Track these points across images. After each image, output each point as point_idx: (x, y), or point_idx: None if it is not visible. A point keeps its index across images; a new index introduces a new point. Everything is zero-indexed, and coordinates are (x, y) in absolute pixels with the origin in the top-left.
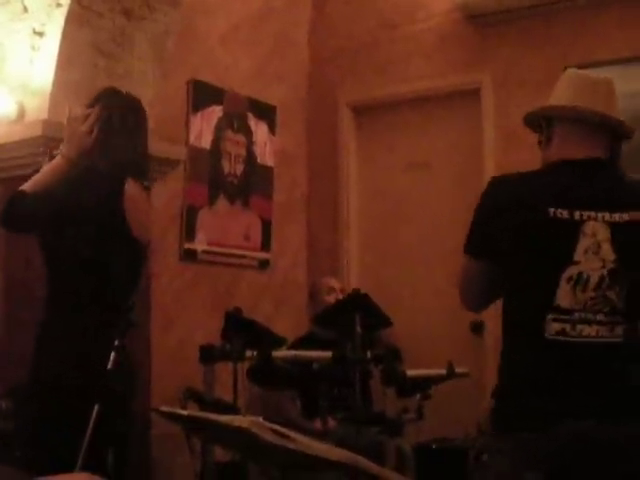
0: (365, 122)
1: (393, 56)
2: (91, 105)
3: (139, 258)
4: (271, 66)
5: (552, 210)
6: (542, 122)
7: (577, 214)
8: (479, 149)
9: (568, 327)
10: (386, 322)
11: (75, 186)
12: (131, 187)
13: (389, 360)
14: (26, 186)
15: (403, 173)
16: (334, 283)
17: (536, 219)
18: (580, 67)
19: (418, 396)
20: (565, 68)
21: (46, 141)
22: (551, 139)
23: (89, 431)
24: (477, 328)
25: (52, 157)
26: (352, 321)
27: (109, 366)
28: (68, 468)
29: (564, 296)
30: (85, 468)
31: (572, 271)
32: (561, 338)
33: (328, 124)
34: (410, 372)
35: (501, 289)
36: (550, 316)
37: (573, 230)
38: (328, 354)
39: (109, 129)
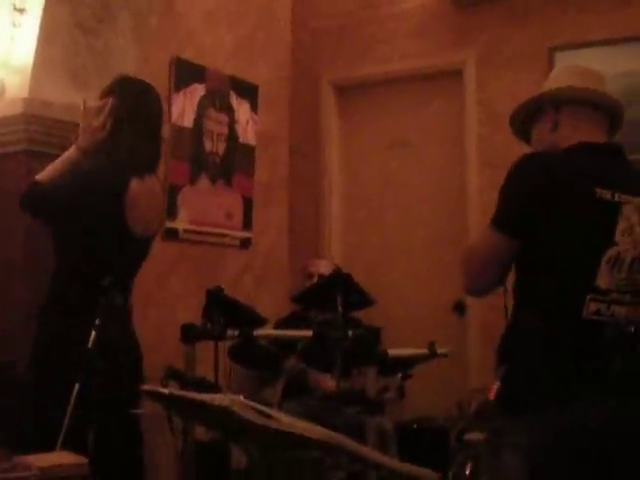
0: (348, 101)
1: (376, 35)
2: (105, 95)
3: (138, 252)
4: (254, 45)
5: (599, 190)
6: (549, 107)
7: (617, 196)
8: (462, 128)
9: (604, 307)
10: (368, 302)
11: (85, 177)
12: (135, 185)
13: (370, 340)
14: (42, 175)
15: (386, 152)
16: (316, 267)
17: (585, 198)
18: (564, 47)
19: (399, 375)
20: (549, 48)
21: (27, 119)
22: (559, 123)
23: (69, 410)
24: (459, 309)
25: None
26: (333, 300)
27: (89, 345)
28: (49, 447)
29: (603, 276)
30: (66, 447)
31: (612, 252)
32: (596, 318)
33: (311, 103)
34: (392, 352)
35: (506, 274)
36: (590, 296)
37: (614, 211)
38: (309, 333)
39: (121, 123)
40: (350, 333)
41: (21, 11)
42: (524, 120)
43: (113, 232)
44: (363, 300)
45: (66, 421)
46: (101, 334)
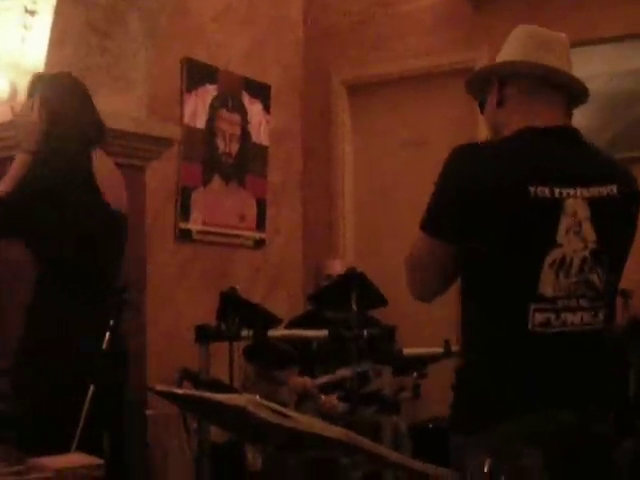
0: (360, 100)
1: (388, 34)
2: (28, 98)
3: (120, 229)
4: (265, 44)
5: (533, 189)
6: (494, 81)
7: (557, 191)
8: (475, 127)
9: (553, 317)
10: (382, 301)
11: (44, 173)
12: (98, 158)
13: (385, 339)
14: (1, 191)
15: (398, 151)
16: (331, 268)
17: (516, 199)
18: (579, 44)
19: (415, 375)
20: None
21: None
22: (504, 101)
23: (84, 412)
24: None
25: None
26: (348, 300)
27: (104, 346)
28: (64, 449)
29: (547, 283)
30: (81, 449)
31: (555, 255)
32: (545, 330)
33: (323, 102)
34: (407, 351)
35: (455, 277)
36: (533, 306)
37: (554, 209)
38: (324, 333)
39: (54, 109)
40: (365, 332)
41: (32, 13)
42: (480, 88)
43: (95, 211)
44: (377, 299)
45: (81, 422)
46: (115, 335)
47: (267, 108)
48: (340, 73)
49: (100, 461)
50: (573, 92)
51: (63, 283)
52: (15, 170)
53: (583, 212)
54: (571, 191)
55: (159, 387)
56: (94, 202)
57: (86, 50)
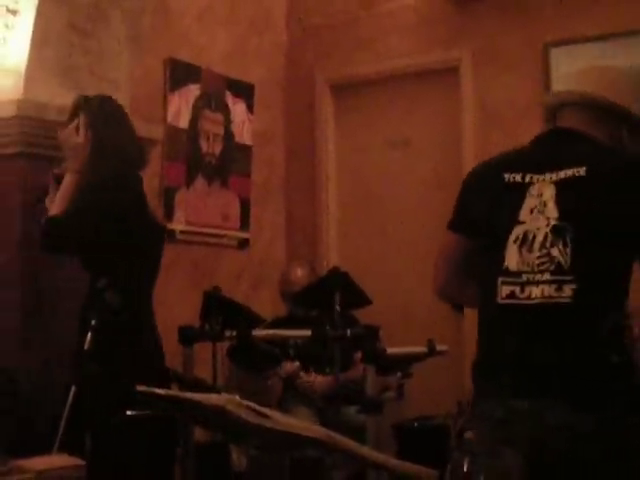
0: (343, 100)
1: (371, 33)
2: (71, 117)
3: (162, 240)
4: (248, 44)
5: (507, 175)
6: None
7: (528, 177)
8: (458, 126)
9: (517, 290)
10: (365, 301)
11: (96, 193)
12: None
13: (369, 338)
14: (54, 210)
15: (382, 151)
16: (294, 274)
17: (494, 185)
18: (560, 43)
19: (399, 374)
20: (544, 45)
21: (20, 120)
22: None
23: (66, 413)
24: (458, 307)
25: (55, 175)
26: (331, 299)
27: (85, 347)
28: (46, 450)
29: (512, 258)
30: (63, 450)
31: (518, 231)
32: (511, 301)
33: (306, 102)
34: (390, 350)
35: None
36: (501, 279)
37: (522, 192)
38: (307, 333)
39: (98, 131)
40: (348, 332)
41: (14, 13)
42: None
43: (148, 228)
44: (361, 299)
45: (62, 424)
46: (97, 336)
47: (250, 108)
48: (323, 73)
49: (81, 462)
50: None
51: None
52: (65, 190)
53: (548, 193)
54: (540, 177)
55: (139, 387)
56: (146, 219)
57: (68, 50)
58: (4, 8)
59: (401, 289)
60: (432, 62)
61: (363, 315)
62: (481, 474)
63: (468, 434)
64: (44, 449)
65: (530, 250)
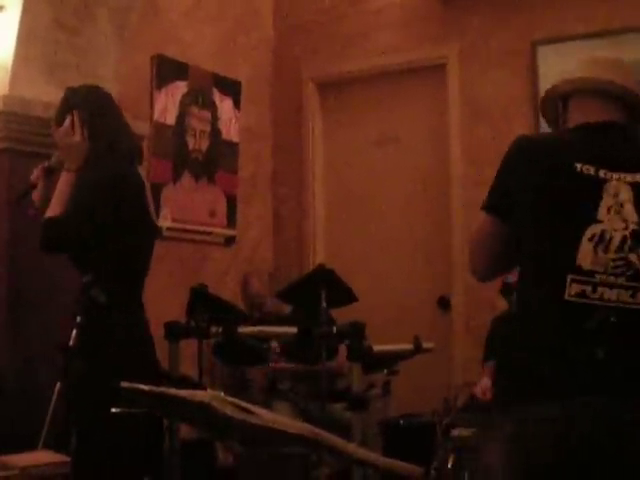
0: (330, 97)
1: (358, 30)
2: (63, 113)
3: (155, 239)
4: (236, 41)
5: (579, 165)
6: (559, 103)
7: (602, 172)
8: (445, 123)
9: (589, 289)
10: (352, 298)
11: (94, 191)
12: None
13: (355, 335)
14: (52, 210)
15: (369, 148)
16: (252, 285)
17: (563, 172)
18: (547, 41)
19: (385, 372)
20: (532, 42)
21: (6, 116)
22: (567, 117)
23: (51, 409)
24: (444, 303)
25: (44, 169)
26: (317, 297)
27: (70, 343)
28: (31, 446)
29: (585, 256)
30: (47, 447)
31: (594, 230)
32: (581, 300)
33: (293, 99)
34: (376, 347)
35: (514, 256)
36: (570, 276)
37: (597, 188)
38: (293, 330)
39: (94, 126)
40: (334, 329)
41: (1, 8)
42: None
43: (144, 226)
44: (347, 296)
45: (47, 420)
46: (83, 333)
47: (237, 105)
48: (310, 70)
49: (66, 459)
50: (630, 103)
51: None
52: (63, 190)
53: (626, 194)
54: (614, 174)
55: (123, 384)
56: (143, 217)
57: (55, 47)
58: None
59: (387, 286)
60: (419, 59)
61: (349, 312)
62: (467, 471)
63: (455, 431)
64: (28, 446)
65: (606, 251)
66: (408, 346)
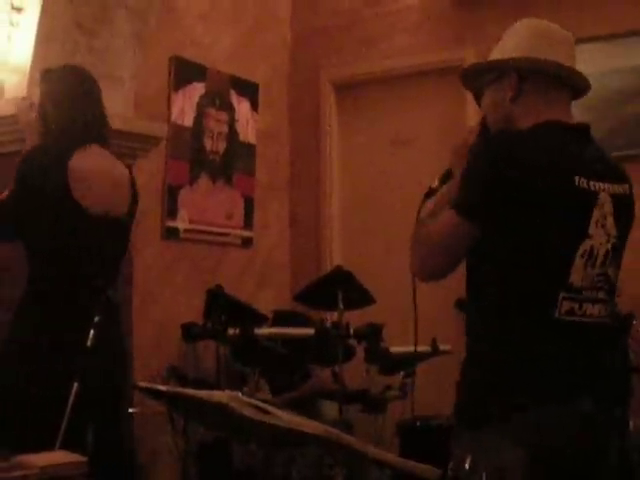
0: (348, 99)
1: (376, 33)
2: (31, 92)
3: (109, 235)
4: (253, 43)
5: (577, 179)
6: (512, 75)
7: (592, 184)
8: (462, 126)
9: (576, 306)
10: (369, 300)
11: (31, 172)
12: (80, 156)
13: (372, 337)
14: (3, 194)
15: (386, 150)
16: None
17: (561, 188)
18: None
19: (402, 374)
20: None
21: None
22: (520, 95)
23: (68, 409)
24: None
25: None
26: (335, 298)
27: (88, 343)
28: (48, 447)
29: (577, 273)
30: (65, 447)
31: (585, 246)
32: (569, 318)
33: (311, 101)
34: (394, 349)
35: (460, 262)
36: (562, 294)
37: (590, 201)
38: (310, 331)
39: (55, 105)
40: (352, 330)
41: (19, 10)
42: (477, 77)
43: (63, 212)
44: (364, 298)
45: (65, 420)
46: (99, 332)
47: (255, 106)
48: (328, 72)
49: (83, 459)
50: (575, 87)
51: (46, 282)
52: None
53: (608, 206)
54: (602, 185)
55: (142, 384)
56: (63, 202)
57: (73, 48)
58: (9, 5)
59: (405, 288)
60: (436, 61)
61: (367, 314)
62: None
63: None
64: (46, 445)
65: (593, 267)
66: (426, 348)
